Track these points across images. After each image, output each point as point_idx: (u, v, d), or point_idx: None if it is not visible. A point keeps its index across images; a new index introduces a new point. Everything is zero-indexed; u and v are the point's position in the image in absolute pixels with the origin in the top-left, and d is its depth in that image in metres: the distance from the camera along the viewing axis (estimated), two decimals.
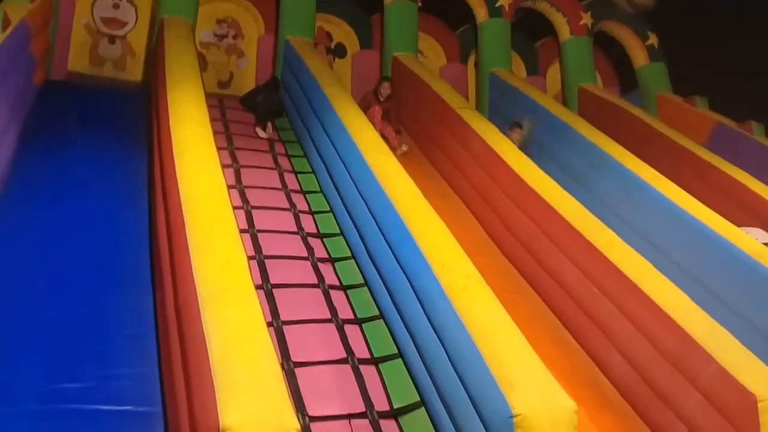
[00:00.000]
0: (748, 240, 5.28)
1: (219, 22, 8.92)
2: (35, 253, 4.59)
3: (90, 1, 8.28)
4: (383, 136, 6.33)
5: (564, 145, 7.31)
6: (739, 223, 5.65)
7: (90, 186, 5.42)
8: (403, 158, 5.76)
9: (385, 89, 7.95)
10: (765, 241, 6.04)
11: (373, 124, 6.29)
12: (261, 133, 7.14)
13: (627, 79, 11.01)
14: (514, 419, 3.14)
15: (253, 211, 5.52)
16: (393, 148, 6.84)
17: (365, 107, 7.33)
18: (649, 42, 10.65)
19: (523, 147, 7.09)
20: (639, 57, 10.70)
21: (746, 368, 3.81)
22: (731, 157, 7.55)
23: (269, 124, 7.26)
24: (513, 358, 3.44)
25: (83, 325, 4.08)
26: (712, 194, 6.66)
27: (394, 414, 3.94)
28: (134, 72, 8.32)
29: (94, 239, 4.83)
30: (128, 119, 6.67)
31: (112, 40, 8.33)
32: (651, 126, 8.45)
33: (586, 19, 10.29)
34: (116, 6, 8.38)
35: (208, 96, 5.98)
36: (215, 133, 5.17)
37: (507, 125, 7.51)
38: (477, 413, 3.38)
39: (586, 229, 5.12)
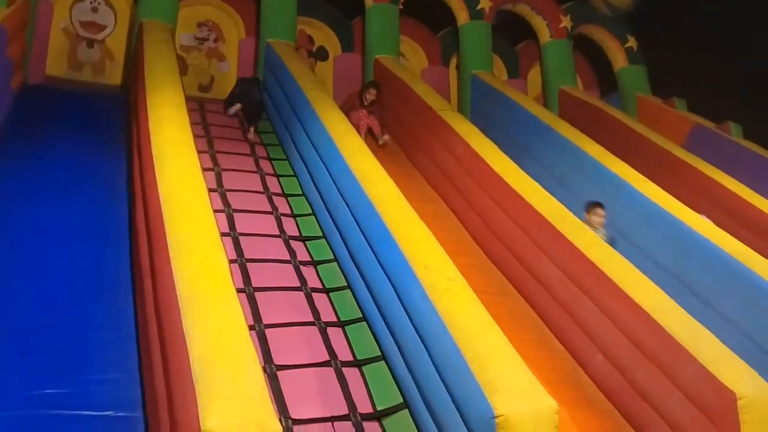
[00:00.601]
0: (729, 240, 5.34)
1: (199, 25, 8.88)
2: (14, 259, 4.53)
3: (68, 4, 8.20)
4: (369, 129, 6.31)
5: (546, 146, 7.36)
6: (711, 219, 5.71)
7: (69, 190, 5.37)
8: (385, 160, 5.75)
9: (371, 95, 7.93)
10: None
11: (359, 125, 6.30)
12: (251, 135, 7.15)
13: (607, 82, 11.11)
14: (496, 420, 3.15)
15: (235, 215, 5.49)
16: (377, 137, 7.06)
17: (348, 109, 7.34)
18: (628, 44, 10.76)
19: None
20: (618, 59, 10.81)
21: (726, 366, 3.85)
22: (709, 157, 7.66)
23: (254, 127, 7.26)
24: (495, 359, 3.45)
25: (63, 330, 4.04)
26: (690, 194, 6.74)
27: (378, 416, 3.94)
28: (113, 76, 8.25)
29: (74, 244, 4.79)
30: (107, 123, 6.63)
31: (90, 44, 8.26)
32: (630, 127, 8.53)
33: (566, 22, 10.37)
34: (95, 9, 8.31)
35: (189, 99, 5.96)
36: (196, 136, 5.14)
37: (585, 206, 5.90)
38: (459, 414, 3.38)
39: (568, 229, 5.15)
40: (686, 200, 6.02)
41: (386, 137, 7.75)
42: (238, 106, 7.51)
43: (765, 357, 4.66)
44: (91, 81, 8.14)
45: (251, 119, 7.35)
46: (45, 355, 3.82)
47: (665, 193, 6.00)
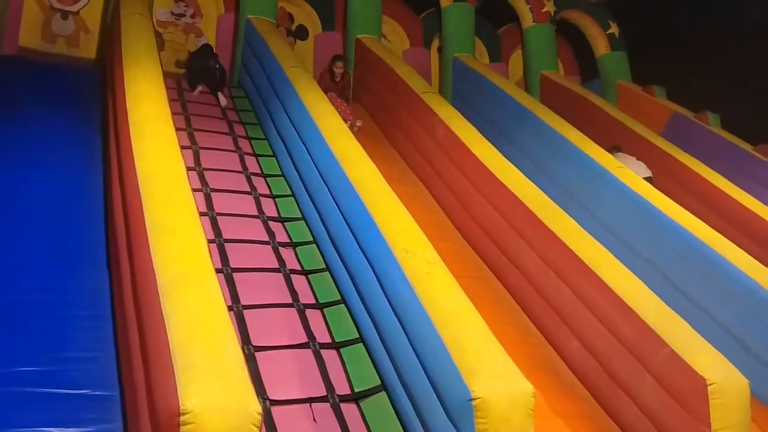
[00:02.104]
0: (704, 228, 5.41)
1: (176, 0, 8.72)
2: None
3: None
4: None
5: (526, 131, 7.37)
6: (694, 212, 5.79)
7: (42, 164, 5.27)
8: (365, 142, 5.72)
9: (339, 69, 7.97)
10: (645, 176, 6.42)
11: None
12: (223, 101, 7.27)
13: (588, 68, 11.15)
14: (474, 402, 3.17)
15: (213, 194, 5.43)
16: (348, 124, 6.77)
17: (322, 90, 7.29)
18: (610, 31, 10.79)
19: None
20: (600, 46, 10.83)
21: (697, 352, 3.93)
22: (686, 146, 7.75)
23: (222, 93, 7.37)
24: (473, 343, 3.47)
25: (38, 306, 3.98)
26: (667, 181, 6.84)
27: (355, 398, 3.95)
28: (88, 49, 8.06)
29: (48, 218, 4.70)
30: (82, 98, 6.49)
31: (65, 15, 8.05)
32: (610, 114, 8.59)
33: (549, 6, 10.35)
34: None
35: (166, 76, 5.85)
36: (173, 113, 5.05)
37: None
38: (437, 396, 3.41)
39: (546, 215, 5.18)
40: (662, 187, 6.10)
41: (359, 123, 7.69)
42: (199, 87, 7.48)
43: (737, 346, 4.76)
44: (65, 54, 7.93)
45: (218, 89, 7.41)
46: (19, 332, 3.76)
47: (642, 180, 6.05)
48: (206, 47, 7.96)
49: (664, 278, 5.26)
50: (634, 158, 7.24)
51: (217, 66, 7.55)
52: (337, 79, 7.98)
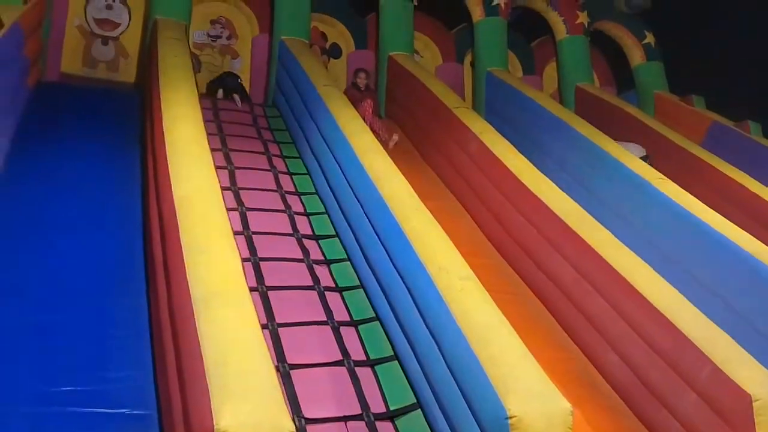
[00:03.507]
0: (749, 239, 5.27)
1: (213, 22, 8.90)
2: (28, 254, 4.57)
3: (83, 2, 8.24)
4: (372, 130, 6.32)
5: (562, 144, 7.29)
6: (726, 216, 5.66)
7: (83, 187, 5.40)
8: (399, 158, 5.73)
9: (362, 80, 8.06)
10: (641, 155, 6.38)
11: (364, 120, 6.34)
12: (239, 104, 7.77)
13: (624, 79, 11.01)
14: (510, 420, 3.13)
15: (248, 213, 5.50)
16: (383, 142, 6.81)
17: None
18: (645, 41, 10.65)
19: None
20: (635, 56, 10.70)
21: (742, 367, 3.81)
22: (727, 155, 7.57)
23: (236, 96, 7.80)
24: (508, 359, 3.43)
25: (77, 326, 4.06)
26: (708, 193, 6.66)
27: (391, 416, 3.92)
28: (127, 73, 8.29)
29: (88, 240, 4.81)
30: (121, 121, 6.64)
31: (105, 41, 8.29)
32: (647, 125, 8.45)
33: (583, 18, 10.28)
34: (109, 7, 8.35)
35: (202, 97, 5.96)
36: (209, 134, 5.15)
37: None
38: (472, 415, 3.37)
39: (582, 228, 5.11)
40: (704, 198, 5.95)
41: (395, 137, 7.67)
42: (220, 91, 7.89)
43: None
44: (105, 78, 8.17)
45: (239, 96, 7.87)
46: (59, 352, 3.83)
47: (685, 191, 5.93)
48: (227, 73, 8.37)
49: (705, 290, 5.12)
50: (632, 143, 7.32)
51: (236, 83, 8.05)
52: (362, 89, 8.05)
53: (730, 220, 5.61)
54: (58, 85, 7.62)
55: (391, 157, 5.50)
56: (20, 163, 5.55)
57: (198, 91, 5.91)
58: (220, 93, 7.85)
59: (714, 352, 3.90)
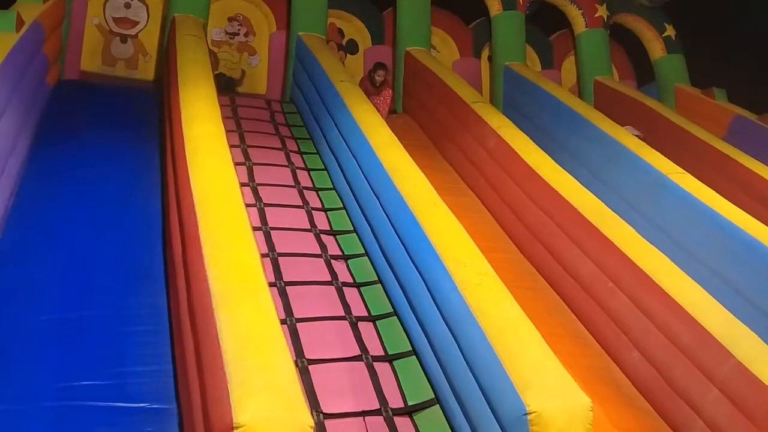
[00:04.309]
0: None
1: (230, 19, 8.93)
2: (50, 252, 4.62)
3: (102, 0, 8.31)
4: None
5: (581, 138, 7.22)
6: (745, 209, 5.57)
7: (103, 185, 5.44)
8: (416, 153, 5.70)
9: (380, 77, 8.05)
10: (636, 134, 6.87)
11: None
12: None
13: (644, 71, 10.89)
14: (529, 416, 3.11)
15: (266, 209, 5.51)
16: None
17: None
18: (666, 34, 10.52)
19: None
20: (656, 49, 10.56)
21: (765, 363, 3.75)
22: (750, 149, 7.45)
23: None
24: (527, 355, 3.41)
25: (98, 323, 4.10)
26: (731, 187, 6.56)
27: (409, 411, 3.91)
28: (146, 71, 8.35)
29: (109, 238, 4.85)
30: (141, 118, 6.69)
31: (124, 39, 8.35)
32: (668, 119, 8.35)
33: (602, 11, 10.18)
34: (128, 5, 8.40)
35: (220, 94, 5.98)
36: (227, 131, 5.16)
37: None
38: (491, 410, 3.35)
39: (602, 223, 5.06)
40: (726, 193, 5.85)
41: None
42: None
43: None
44: (124, 76, 8.24)
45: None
46: (79, 347, 3.88)
47: (705, 186, 5.84)
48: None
49: (728, 287, 5.04)
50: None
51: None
52: (377, 85, 8.05)
53: (754, 215, 5.53)
54: (77, 83, 7.69)
55: (409, 152, 5.49)
56: (40, 161, 5.62)
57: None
58: None
59: (737, 349, 3.84)
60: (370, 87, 7.97)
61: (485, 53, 10.24)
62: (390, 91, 8.00)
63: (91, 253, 4.67)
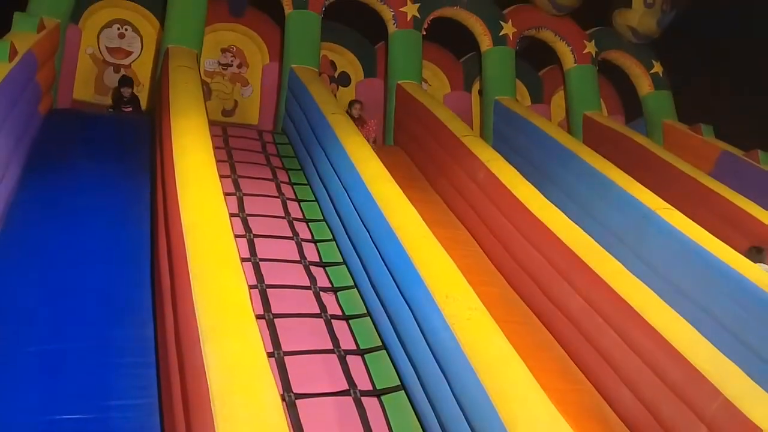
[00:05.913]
0: (756, 270, 5.22)
1: (223, 51, 9.02)
2: (36, 283, 4.58)
3: (96, 30, 8.37)
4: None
5: (569, 173, 7.29)
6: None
7: (93, 214, 5.42)
8: (407, 186, 5.72)
9: (357, 110, 8.31)
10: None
11: None
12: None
13: (632, 106, 11.04)
14: None
15: (256, 240, 5.50)
16: None
17: None
18: (653, 70, 10.70)
19: None
20: (643, 85, 10.75)
21: (753, 401, 3.74)
22: (737, 185, 7.54)
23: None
24: (517, 392, 3.39)
25: (83, 355, 4.06)
26: (718, 222, 6.62)
27: None
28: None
29: (96, 268, 4.82)
30: (132, 148, 6.69)
31: (117, 69, 8.40)
32: (656, 154, 8.45)
33: (590, 47, 10.35)
34: (122, 35, 8.48)
35: (212, 124, 6.00)
36: (218, 161, 5.16)
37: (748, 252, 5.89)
38: None
39: (591, 258, 5.07)
40: (713, 229, 5.90)
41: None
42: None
43: None
44: None
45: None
46: (65, 380, 3.84)
47: (692, 222, 5.89)
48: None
49: (715, 322, 5.06)
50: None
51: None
52: (355, 117, 8.24)
53: (740, 251, 5.57)
54: (69, 112, 7.70)
55: (399, 185, 5.50)
56: (30, 190, 5.59)
57: (209, 117, 5.94)
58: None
59: (725, 386, 3.83)
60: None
61: (476, 87, 10.38)
62: (372, 121, 8.11)
63: (77, 283, 4.63)
